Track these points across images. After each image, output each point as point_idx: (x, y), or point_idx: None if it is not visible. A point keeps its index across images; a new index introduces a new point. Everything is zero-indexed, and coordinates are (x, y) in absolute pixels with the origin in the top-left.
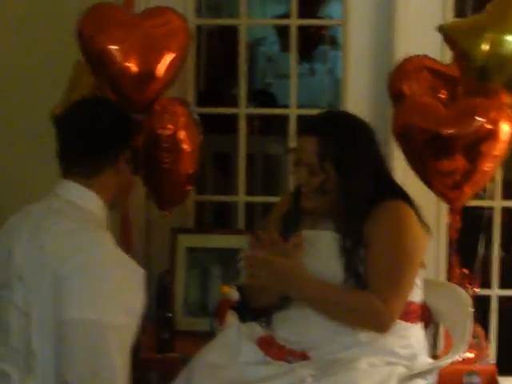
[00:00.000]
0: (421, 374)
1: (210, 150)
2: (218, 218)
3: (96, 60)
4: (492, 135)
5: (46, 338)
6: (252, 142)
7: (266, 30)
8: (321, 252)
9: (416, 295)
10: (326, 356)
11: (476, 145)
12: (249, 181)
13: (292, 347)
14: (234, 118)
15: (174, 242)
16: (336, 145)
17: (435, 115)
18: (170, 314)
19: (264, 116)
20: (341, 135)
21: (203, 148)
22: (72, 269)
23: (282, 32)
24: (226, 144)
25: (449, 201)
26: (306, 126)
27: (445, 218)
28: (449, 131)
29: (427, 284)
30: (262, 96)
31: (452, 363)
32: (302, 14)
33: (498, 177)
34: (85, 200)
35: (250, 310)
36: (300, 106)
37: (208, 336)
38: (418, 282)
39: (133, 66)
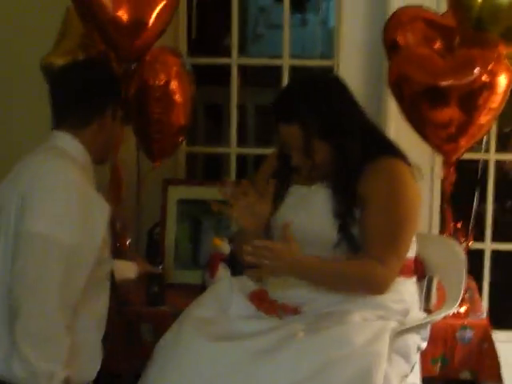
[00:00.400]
0: (414, 329)
1: (201, 101)
2: (209, 170)
3: (86, 8)
4: (489, 87)
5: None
6: (244, 93)
7: None
8: (314, 209)
9: (410, 250)
10: (318, 310)
11: (472, 96)
12: (241, 132)
13: (284, 302)
14: (225, 69)
15: (164, 194)
16: (316, 121)
17: (432, 66)
18: (161, 267)
19: (256, 66)
20: (317, 111)
21: (195, 99)
22: (36, 188)
23: None
24: (217, 95)
25: (444, 153)
26: (281, 114)
27: (439, 171)
28: (446, 82)
29: (421, 238)
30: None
31: (445, 317)
32: None
33: (493, 129)
34: (70, 147)
35: (241, 264)
36: (292, 57)
37: (199, 289)
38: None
39: (123, 14)
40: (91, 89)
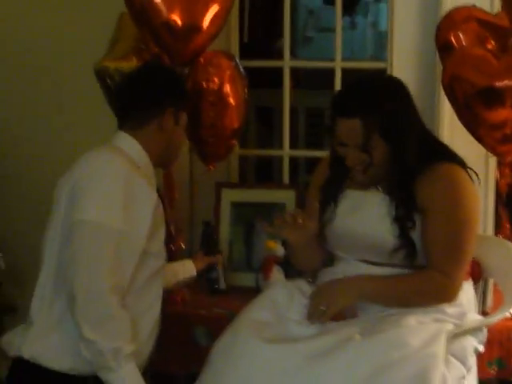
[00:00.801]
0: (470, 331)
1: (252, 104)
2: (261, 173)
3: (140, 12)
4: None
5: (53, 242)
6: (294, 96)
7: None
8: (369, 214)
9: None
10: (374, 314)
11: None
12: (292, 135)
13: None
14: (276, 71)
15: (218, 197)
16: (379, 118)
17: (486, 67)
18: (219, 255)
19: (306, 69)
20: (381, 107)
21: (248, 102)
22: (85, 179)
23: None
24: (269, 98)
25: (498, 154)
26: (344, 108)
27: (493, 172)
28: (500, 83)
29: (477, 239)
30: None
31: (501, 320)
32: None
33: None
34: (126, 145)
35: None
36: (343, 60)
37: (253, 292)
38: None
39: (177, 19)
40: (151, 90)
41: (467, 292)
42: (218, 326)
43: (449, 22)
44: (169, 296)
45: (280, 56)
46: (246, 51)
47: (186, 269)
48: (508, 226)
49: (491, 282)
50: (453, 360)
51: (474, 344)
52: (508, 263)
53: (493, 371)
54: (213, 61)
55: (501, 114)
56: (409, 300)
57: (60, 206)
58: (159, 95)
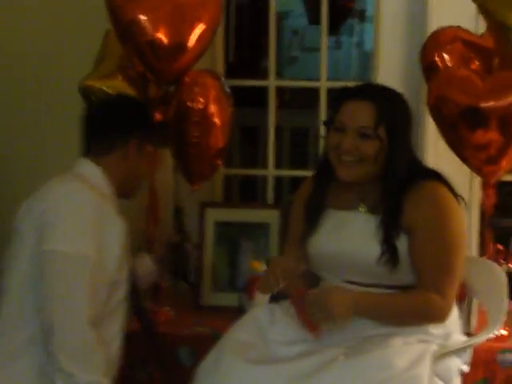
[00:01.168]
0: (455, 352)
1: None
2: (245, 192)
3: (125, 30)
4: None
5: (19, 274)
6: (279, 115)
7: (291, 3)
8: (353, 233)
9: None
10: (361, 332)
11: None
12: (277, 154)
13: None
14: (261, 91)
15: (202, 217)
16: (392, 111)
17: (472, 88)
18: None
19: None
20: (395, 103)
21: (233, 121)
22: (53, 209)
23: (310, 4)
24: (254, 117)
25: (483, 175)
26: (360, 91)
27: (478, 193)
28: (486, 104)
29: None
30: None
31: (486, 341)
32: None
33: None
34: (90, 173)
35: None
36: (328, 79)
37: (237, 312)
38: None
39: (162, 37)
40: (118, 120)
41: (452, 313)
42: (202, 346)
43: (434, 43)
44: (153, 316)
45: (265, 75)
46: (232, 70)
47: (144, 263)
48: (493, 247)
49: (475, 302)
50: (437, 381)
51: (459, 364)
52: (493, 284)
53: None
54: (198, 80)
55: (486, 135)
56: (403, 318)
57: (24, 236)
58: (125, 126)
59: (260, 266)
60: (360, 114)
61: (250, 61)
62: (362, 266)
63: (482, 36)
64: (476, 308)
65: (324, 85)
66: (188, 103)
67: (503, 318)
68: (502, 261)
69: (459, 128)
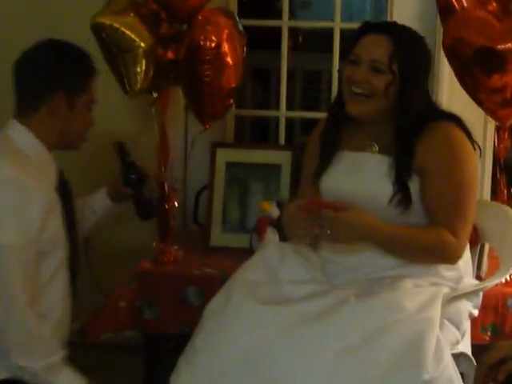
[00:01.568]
0: (465, 296)
1: (249, 65)
2: (256, 134)
3: None
4: None
5: None
6: (292, 58)
7: None
8: (367, 174)
9: None
10: (372, 275)
11: None
12: (289, 97)
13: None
14: (273, 33)
15: (213, 157)
16: (409, 49)
17: (488, 29)
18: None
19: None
20: (414, 42)
21: (246, 61)
22: None
23: None
24: (266, 60)
25: (498, 119)
26: (380, 25)
27: (491, 136)
28: (502, 46)
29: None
30: None
31: (496, 285)
32: None
33: None
34: (17, 135)
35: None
36: (341, 21)
37: (246, 253)
38: None
39: None
40: (38, 72)
41: (464, 256)
42: (210, 286)
43: None
44: (162, 256)
45: (278, 17)
46: (244, 10)
47: (99, 199)
48: (505, 191)
49: (487, 247)
50: (448, 324)
51: (469, 308)
52: (505, 228)
53: (486, 337)
54: (211, 18)
55: (502, 78)
56: (416, 253)
57: None
58: (46, 77)
59: (271, 207)
60: (375, 48)
61: (263, 1)
62: (374, 206)
63: None
64: (487, 252)
65: (338, 25)
66: (200, 41)
67: None
68: None
69: (474, 70)
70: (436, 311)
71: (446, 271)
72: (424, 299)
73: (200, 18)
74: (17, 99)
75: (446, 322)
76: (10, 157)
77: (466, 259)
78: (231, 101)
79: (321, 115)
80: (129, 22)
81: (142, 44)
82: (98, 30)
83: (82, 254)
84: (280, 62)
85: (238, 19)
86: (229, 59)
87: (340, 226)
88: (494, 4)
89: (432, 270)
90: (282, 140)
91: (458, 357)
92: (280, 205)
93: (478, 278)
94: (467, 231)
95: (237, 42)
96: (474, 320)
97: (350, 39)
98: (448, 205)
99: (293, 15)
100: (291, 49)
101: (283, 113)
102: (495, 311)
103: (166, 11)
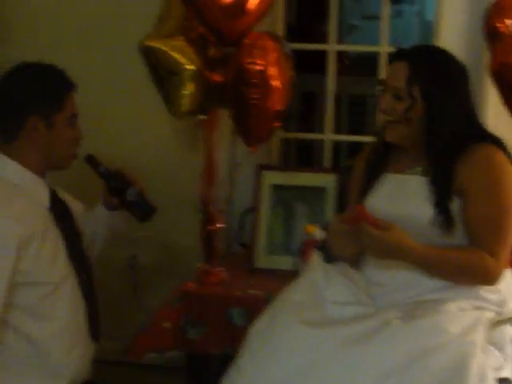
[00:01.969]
0: (510, 320)
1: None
2: (302, 157)
3: None
4: None
5: None
6: (338, 82)
7: None
8: (409, 196)
9: None
10: (415, 297)
11: None
12: (334, 120)
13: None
14: (320, 57)
15: (258, 179)
16: (427, 72)
17: None
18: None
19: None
20: (433, 63)
21: (293, 84)
22: None
23: None
24: (312, 83)
25: None
26: (398, 51)
27: None
28: None
29: None
30: None
31: None
32: None
33: None
34: (1, 166)
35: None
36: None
37: (290, 275)
38: None
39: None
40: (7, 99)
41: (506, 279)
42: (254, 308)
43: (498, 10)
44: (206, 277)
45: (325, 41)
46: (292, 34)
47: (98, 210)
48: None
49: None
50: (491, 349)
51: None
52: None
53: None
54: (258, 42)
55: None
56: (451, 273)
57: None
58: (16, 103)
59: (315, 230)
60: (394, 75)
61: (310, 26)
62: (416, 227)
63: None
64: None
65: (384, 50)
66: (247, 65)
67: None
68: None
69: None
70: (479, 335)
71: (488, 294)
72: (467, 323)
73: (247, 41)
74: None
75: (489, 346)
76: None
77: (508, 282)
78: (278, 123)
79: (366, 139)
80: (177, 45)
81: (190, 67)
82: (146, 52)
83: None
84: (326, 86)
85: (285, 43)
86: (275, 82)
87: (378, 244)
88: None
89: (473, 292)
90: (327, 163)
91: (502, 382)
92: (325, 228)
93: None
94: (506, 254)
95: (284, 65)
96: None
97: None
98: (487, 227)
99: (339, 39)
100: (338, 72)
101: (329, 136)
102: None
103: (213, 35)
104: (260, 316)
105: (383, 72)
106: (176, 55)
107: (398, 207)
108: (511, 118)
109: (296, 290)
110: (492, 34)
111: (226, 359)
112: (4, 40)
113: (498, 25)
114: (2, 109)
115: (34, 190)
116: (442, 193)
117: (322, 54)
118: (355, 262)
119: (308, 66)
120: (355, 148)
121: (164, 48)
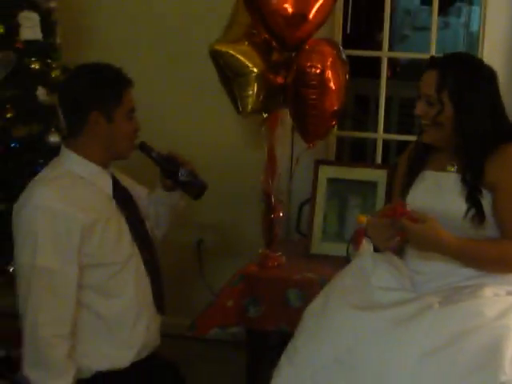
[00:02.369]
0: None
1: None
2: (355, 153)
3: (253, 0)
4: None
5: None
6: (390, 86)
7: None
8: (444, 192)
9: None
10: (454, 284)
11: None
12: (385, 122)
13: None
14: (373, 63)
15: (316, 173)
16: (454, 78)
17: None
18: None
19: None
20: (460, 70)
21: (348, 86)
22: (15, 216)
23: None
24: (365, 87)
25: None
26: (430, 60)
27: None
28: None
29: None
30: None
31: None
32: None
33: None
34: (68, 161)
35: None
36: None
37: (343, 261)
38: None
39: (287, 7)
40: (70, 97)
41: None
42: (309, 290)
43: None
44: (267, 261)
45: (379, 49)
46: (349, 41)
47: (158, 192)
48: None
49: None
50: None
51: None
52: None
53: None
54: (316, 47)
55: None
56: (483, 263)
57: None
58: (79, 101)
59: (365, 220)
60: (426, 82)
61: (365, 34)
62: (451, 220)
63: None
64: None
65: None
66: (306, 68)
67: None
68: None
69: None
70: None
71: None
72: (503, 307)
73: (307, 46)
74: (66, 127)
75: None
76: (50, 185)
77: None
78: (334, 122)
79: (413, 138)
80: (243, 50)
81: (255, 69)
82: (215, 56)
83: (195, 255)
84: (379, 89)
85: (341, 49)
86: (332, 84)
87: (415, 236)
88: None
89: (506, 279)
90: (378, 159)
91: None
92: None
93: None
94: None
95: (340, 69)
96: None
97: None
98: None
99: (391, 47)
100: (389, 77)
101: (380, 135)
102: None
103: (276, 40)
104: (314, 298)
105: None
106: (242, 59)
107: (435, 202)
108: None
109: (347, 275)
110: None
111: (284, 336)
112: (92, 44)
113: None
114: (68, 107)
115: (98, 180)
116: (473, 189)
117: (376, 61)
118: (399, 252)
119: (362, 71)
120: (404, 146)
121: (231, 52)
